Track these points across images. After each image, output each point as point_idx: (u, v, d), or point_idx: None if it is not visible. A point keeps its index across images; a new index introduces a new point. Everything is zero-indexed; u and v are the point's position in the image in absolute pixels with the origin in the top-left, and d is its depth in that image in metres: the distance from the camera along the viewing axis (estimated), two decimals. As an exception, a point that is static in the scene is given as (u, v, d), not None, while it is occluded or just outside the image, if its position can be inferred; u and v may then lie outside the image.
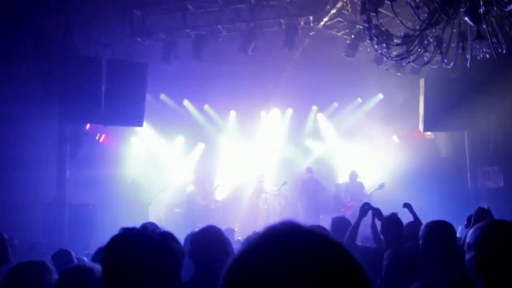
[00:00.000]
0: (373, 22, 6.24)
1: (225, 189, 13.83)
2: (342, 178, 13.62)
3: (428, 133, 12.52)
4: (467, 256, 2.12)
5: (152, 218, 11.08)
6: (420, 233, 3.51)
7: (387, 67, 9.60)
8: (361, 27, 8.44)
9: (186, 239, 4.00)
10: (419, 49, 6.36)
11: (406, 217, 5.19)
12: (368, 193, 12.10)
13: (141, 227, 1.87)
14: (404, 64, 8.09)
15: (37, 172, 9.57)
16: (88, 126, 11.39)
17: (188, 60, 10.75)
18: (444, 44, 6.27)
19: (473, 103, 10.30)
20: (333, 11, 9.81)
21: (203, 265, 2.84)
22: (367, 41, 7.53)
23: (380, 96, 13.98)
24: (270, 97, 14.08)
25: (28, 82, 9.77)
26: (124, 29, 10.31)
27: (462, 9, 5.41)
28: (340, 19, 10.38)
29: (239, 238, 8.18)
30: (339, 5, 9.60)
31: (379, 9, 6.31)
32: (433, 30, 6.15)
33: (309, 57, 11.92)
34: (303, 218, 12.35)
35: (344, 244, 0.95)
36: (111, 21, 10.30)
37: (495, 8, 5.39)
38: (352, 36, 10.35)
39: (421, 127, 11.41)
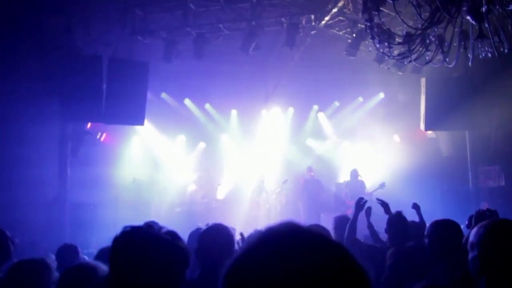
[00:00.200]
0: (375, 21, 6.23)
1: (226, 188, 13.83)
2: (343, 177, 13.60)
3: (429, 132, 12.49)
4: (470, 255, 2.09)
5: (153, 217, 11.06)
6: (426, 232, 3.51)
7: (388, 66, 9.57)
8: (362, 26, 8.45)
9: (190, 237, 3.99)
10: (420, 48, 6.34)
11: (407, 217, 5.16)
12: (369, 192, 12.08)
13: (146, 226, 1.82)
14: (405, 63, 8.08)
15: (38, 171, 9.57)
16: (89, 125, 11.38)
17: (189, 59, 10.73)
18: (446, 43, 6.25)
19: (475, 102, 10.30)
20: (335, 10, 9.81)
21: (209, 263, 2.81)
22: (369, 40, 7.52)
23: (381, 95, 13.97)
24: (271, 96, 14.08)
25: (29, 81, 9.75)
26: (125, 28, 10.31)
27: (464, 8, 5.39)
28: (341, 18, 10.38)
29: (240, 237, 8.15)
30: (340, 4, 9.59)
31: (381, 8, 6.31)
32: (435, 29, 6.14)
33: (310, 56, 11.92)
34: (304, 217, 12.37)
35: (343, 244, 0.96)
36: (112, 19, 10.30)
37: (497, 7, 5.38)
38: (354, 35, 10.33)
39: (422, 126, 11.41)
